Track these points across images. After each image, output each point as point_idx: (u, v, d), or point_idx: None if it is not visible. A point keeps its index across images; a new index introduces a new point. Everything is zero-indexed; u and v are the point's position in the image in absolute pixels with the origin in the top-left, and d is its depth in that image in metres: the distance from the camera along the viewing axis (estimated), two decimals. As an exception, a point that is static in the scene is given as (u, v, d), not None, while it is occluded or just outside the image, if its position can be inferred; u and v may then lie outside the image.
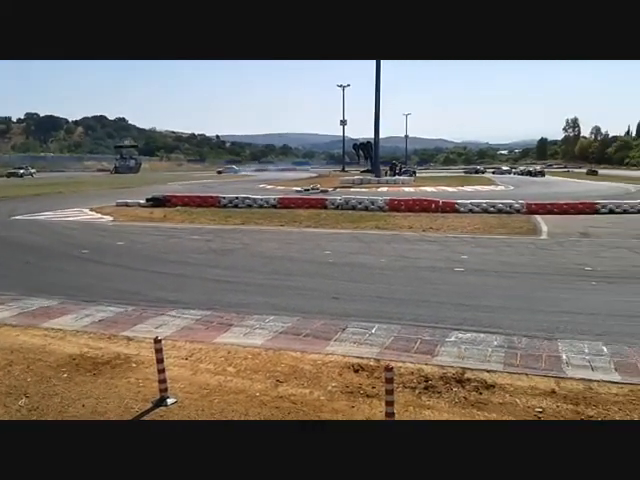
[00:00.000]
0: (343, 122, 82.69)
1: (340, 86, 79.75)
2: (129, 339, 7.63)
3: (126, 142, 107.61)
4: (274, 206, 26.86)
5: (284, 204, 27.00)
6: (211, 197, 28.73)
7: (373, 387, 5.90)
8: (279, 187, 44.62)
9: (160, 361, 5.68)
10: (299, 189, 38.66)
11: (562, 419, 5.19)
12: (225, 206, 27.09)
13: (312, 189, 38.17)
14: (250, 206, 27.01)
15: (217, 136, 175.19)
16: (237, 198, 27.86)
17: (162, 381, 5.68)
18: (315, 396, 5.77)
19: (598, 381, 5.98)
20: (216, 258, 14.01)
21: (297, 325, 8.08)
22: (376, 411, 5.32)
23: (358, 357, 6.77)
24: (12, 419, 5.27)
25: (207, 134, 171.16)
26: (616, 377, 6.09)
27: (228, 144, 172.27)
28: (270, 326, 8.05)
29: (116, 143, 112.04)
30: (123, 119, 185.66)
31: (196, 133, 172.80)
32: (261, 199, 27.67)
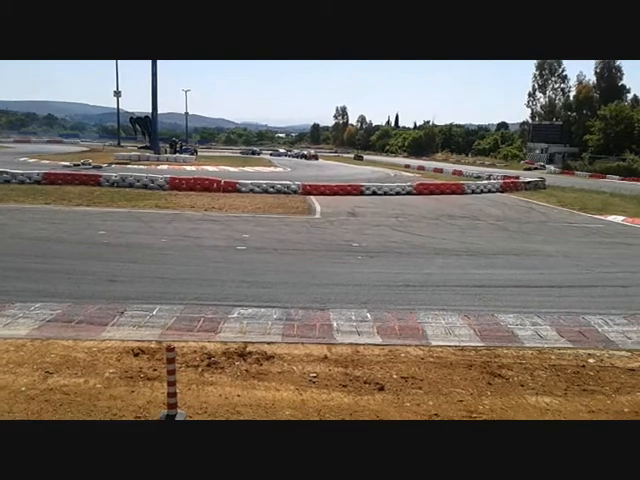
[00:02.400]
0: (117, 93, 76.94)
1: (113, 54, 73.99)
2: None
3: None
4: (38, 182, 24.10)
5: (50, 180, 24.40)
6: (-44, 171, 24.49)
7: (155, 369, 5.77)
8: (44, 161, 39.82)
9: None
10: (68, 164, 35.06)
11: (334, 381, 5.74)
12: (-25, 182, 23.35)
13: (83, 164, 34.90)
14: (8, 182, 23.78)
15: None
16: (-10, 172, 24.23)
17: None
18: (91, 384, 5.43)
19: (364, 344, 6.75)
20: (-36, 241, 12.05)
21: (68, 312, 7.42)
22: (158, 393, 5.23)
23: (138, 340, 6.53)
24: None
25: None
26: (378, 340, 6.94)
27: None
28: (36, 314, 7.25)
29: None
30: None
31: None
32: (22, 174, 24.58)
